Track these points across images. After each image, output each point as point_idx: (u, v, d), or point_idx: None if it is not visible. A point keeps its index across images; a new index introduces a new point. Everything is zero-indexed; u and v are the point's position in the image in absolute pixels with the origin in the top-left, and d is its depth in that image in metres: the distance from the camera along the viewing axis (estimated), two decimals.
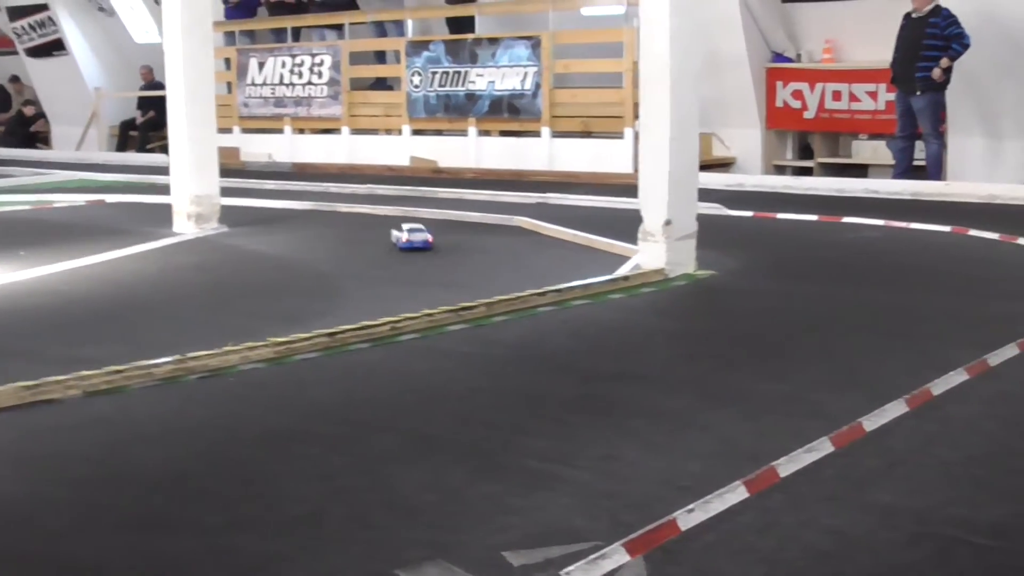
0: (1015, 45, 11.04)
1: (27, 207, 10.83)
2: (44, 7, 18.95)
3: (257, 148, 15.06)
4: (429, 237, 7.80)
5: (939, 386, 4.18)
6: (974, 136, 11.64)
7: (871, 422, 3.77)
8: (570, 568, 2.69)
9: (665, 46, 6.45)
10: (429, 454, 3.63)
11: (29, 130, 20.33)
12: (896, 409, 3.90)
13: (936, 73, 10.72)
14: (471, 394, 4.41)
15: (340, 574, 2.73)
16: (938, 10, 10.74)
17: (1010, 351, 4.67)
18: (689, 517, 2.99)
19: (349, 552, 2.86)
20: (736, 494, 3.15)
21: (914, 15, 10.87)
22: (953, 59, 10.69)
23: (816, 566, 2.73)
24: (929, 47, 10.74)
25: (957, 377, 4.29)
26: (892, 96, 11.49)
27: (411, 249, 7.73)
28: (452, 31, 13.98)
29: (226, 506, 3.22)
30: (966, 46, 10.64)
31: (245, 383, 4.56)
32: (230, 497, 3.30)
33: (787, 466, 3.36)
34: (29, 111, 20.37)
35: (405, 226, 7.96)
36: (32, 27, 19.41)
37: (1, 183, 13.24)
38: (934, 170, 11.15)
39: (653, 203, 6.61)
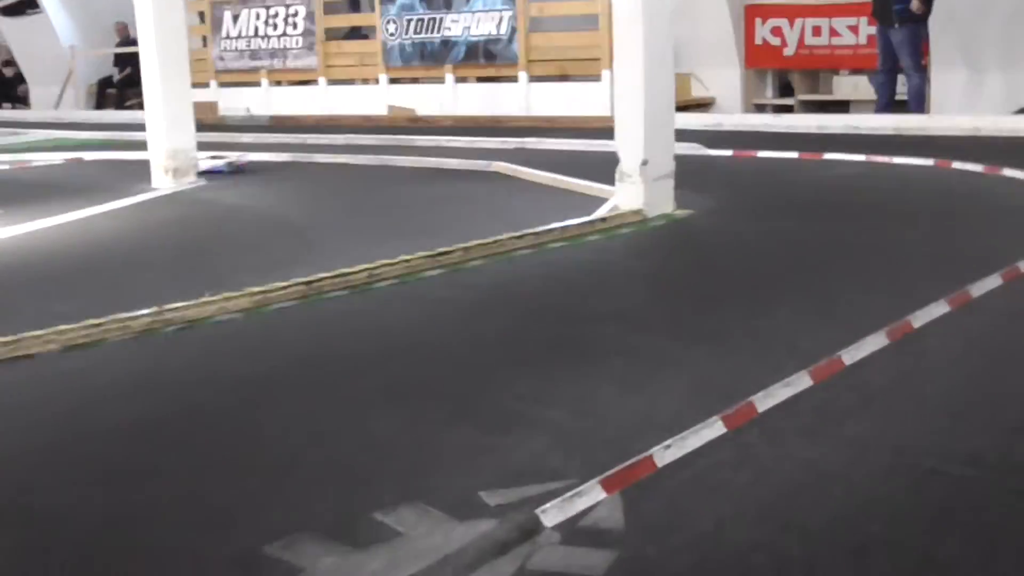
0: None
1: (5, 167, 10.75)
2: None
3: (235, 102, 14.98)
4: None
5: (920, 318, 4.17)
6: (957, 68, 11.60)
7: (850, 355, 3.77)
8: (546, 506, 2.69)
9: None
10: (405, 399, 3.62)
11: (13, 92, 20.22)
12: (876, 342, 3.90)
13: (915, 4, 10.68)
14: (446, 339, 4.40)
15: (317, 518, 2.72)
16: None
17: (993, 282, 4.65)
18: (665, 454, 2.99)
19: (325, 496, 2.87)
20: (713, 430, 3.15)
21: None
22: (921, 4, 10.66)
23: (791, 500, 2.74)
24: None
25: (938, 309, 4.28)
26: (873, 30, 11.42)
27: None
28: None
29: (199, 454, 3.22)
30: None
31: (221, 334, 4.55)
32: (204, 445, 3.30)
33: (764, 401, 3.37)
34: (9, 72, 20.22)
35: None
36: None
37: None
38: (916, 104, 11.14)
39: (629, 144, 6.58)
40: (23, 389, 3.91)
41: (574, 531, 2.60)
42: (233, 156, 8.03)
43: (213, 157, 8.01)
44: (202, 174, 7.73)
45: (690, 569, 2.42)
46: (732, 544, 2.52)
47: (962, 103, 11.47)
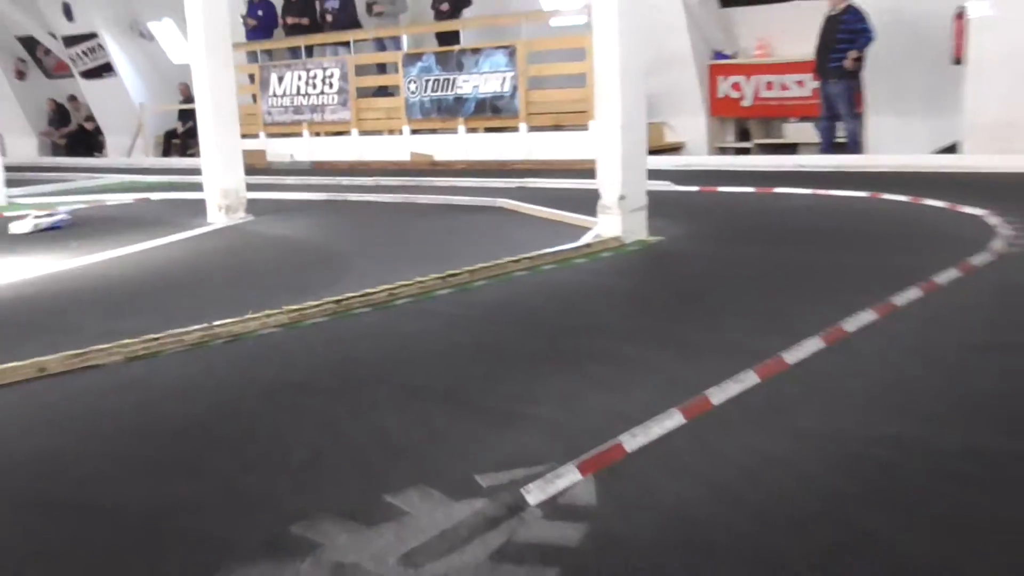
0: (918, 36, 11.03)
1: (84, 206, 10.77)
2: (94, 35, 18.85)
3: (280, 150, 15.04)
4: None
5: (851, 324, 4.17)
6: (888, 115, 11.61)
7: (792, 356, 3.77)
8: (530, 486, 2.68)
9: (615, 47, 6.40)
10: (416, 400, 3.60)
11: (92, 142, 20.34)
12: (814, 345, 3.90)
13: (847, 63, 10.70)
14: (453, 348, 4.38)
15: (336, 500, 2.71)
16: (849, 8, 10.73)
17: (914, 293, 4.66)
18: (633, 441, 2.98)
19: (344, 483, 2.85)
20: (674, 420, 3.14)
21: (830, 13, 10.84)
22: (860, 50, 10.67)
23: (741, 480, 2.71)
24: (840, 40, 10.73)
25: (867, 316, 4.28)
26: (816, 84, 11.43)
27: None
28: (441, 44, 13.91)
29: (238, 451, 3.20)
30: (870, 39, 10.66)
31: (262, 345, 4.52)
32: (243, 443, 3.28)
33: (718, 395, 3.36)
34: (90, 126, 20.34)
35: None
36: (85, 53, 19.32)
37: (63, 186, 13.19)
38: (853, 145, 11.14)
39: (609, 181, 6.58)
40: (90, 396, 3.88)
41: (554, 508, 2.59)
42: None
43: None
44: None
45: (653, 541, 2.39)
46: (690, 519, 2.49)
47: (892, 144, 11.48)
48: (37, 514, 2.79)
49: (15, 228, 7.22)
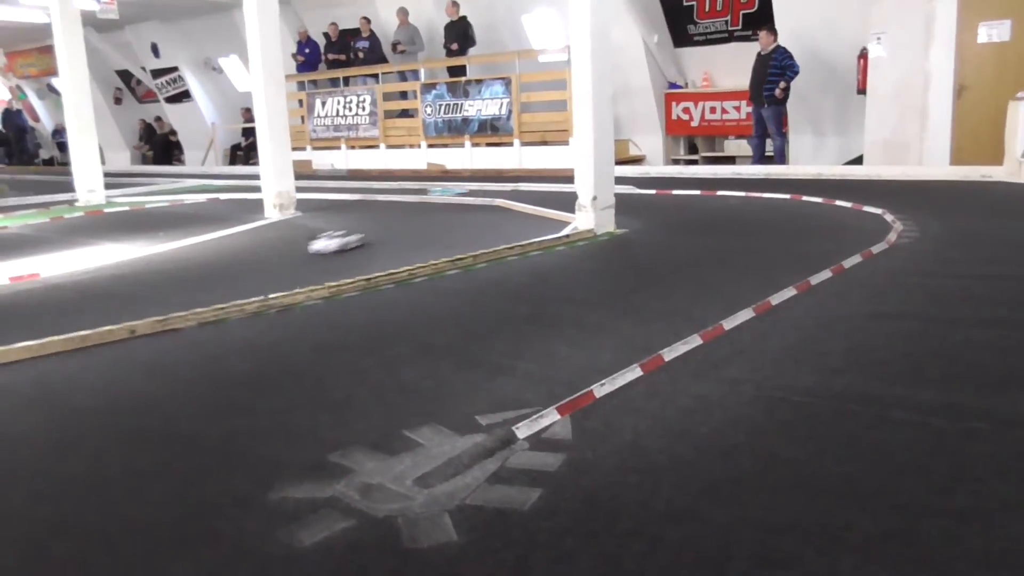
0: (830, 71, 11.00)
1: (166, 204, 10.73)
2: (176, 69, 18.73)
3: (323, 160, 14.93)
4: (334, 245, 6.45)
5: (776, 299, 4.16)
6: (806, 134, 11.59)
7: (728, 324, 3.76)
8: (519, 424, 2.69)
9: (588, 79, 6.36)
10: (428, 355, 3.61)
11: (174, 154, 20.23)
12: (746, 315, 3.89)
13: (777, 92, 10.65)
14: (459, 315, 4.38)
15: (364, 435, 2.72)
16: (778, 48, 10.64)
17: (825, 275, 4.64)
18: (601, 389, 2.98)
19: (370, 421, 2.85)
20: (633, 373, 3.14)
21: (762, 52, 10.77)
22: (788, 82, 10.62)
23: (685, 419, 2.72)
24: (771, 74, 10.64)
25: (788, 292, 4.27)
26: (750, 109, 11.38)
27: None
28: (451, 76, 13.80)
29: (287, 394, 3.20)
30: (796, 73, 10.57)
31: (308, 313, 4.52)
32: (291, 388, 3.28)
33: (669, 354, 3.36)
34: (173, 138, 20.22)
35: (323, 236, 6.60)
36: (168, 83, 19.19)
37: (150, 188, 13.12)
38: (779, 158, 11.08)
39: (584, 185, 6.55)
40: (170, 352, 3.89)
41: (539, 441, 2.60)
42: (339, 239, 6.42)
43: (326, 237, 6.46)
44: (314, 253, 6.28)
45: (615, 466, 2.40)
46: (644, 449, 2.51)
47: (809, 157, 11.47)
48: (133, 440, 2.81)
49: (317, 247, 6.28)
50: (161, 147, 19.97)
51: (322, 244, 6.36)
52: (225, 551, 2.03)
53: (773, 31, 10.68)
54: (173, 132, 19.96)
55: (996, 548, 1.88)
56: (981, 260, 5.03)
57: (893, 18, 9.88)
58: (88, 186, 11.01)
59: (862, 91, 10.47)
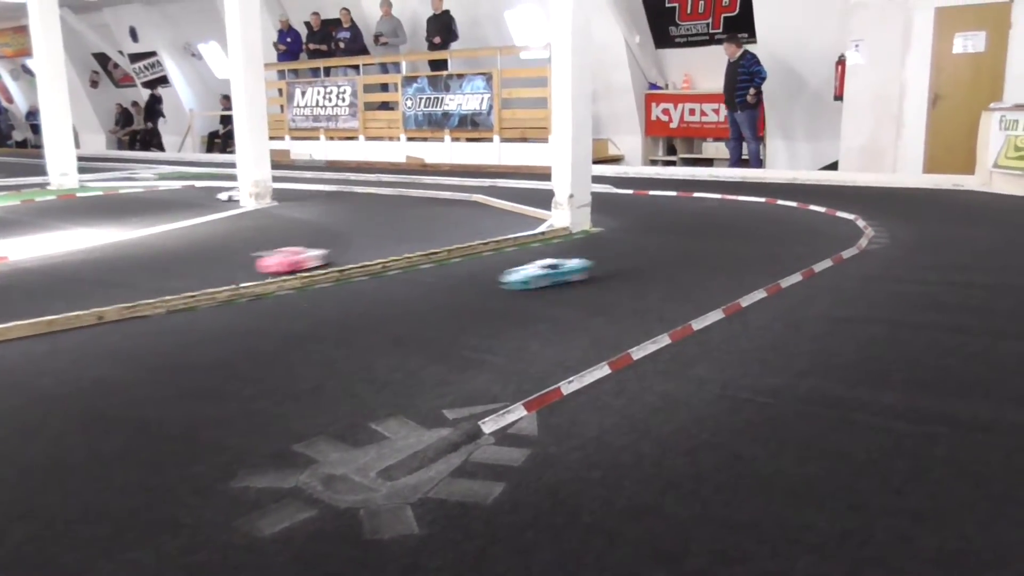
0: (808, 77, 11.10)
1: (140, 190, 10.63)
2: (154, 54, 18.55)
3: (301, 150, 14.85)
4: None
5: (746, 300, 4.20)
6: (782, 139, 11.67)
7: (698, 324, 3.79)
8: (486, 419, 2.69)
9: (568, 78, 6.38)
10: (398, 347, 3.60)
11: (153, 140, 20.00)
12: (715, 316, 3.92)
13: (748, 98, 10.75)
14: (431, 309, 4.38)
15: (330, 426, 2.71)
16: (745, 54, 10.76)
17: (796, 278, 4.69)
18: (569, 386, 3.00)
19: (337, 412, 2.84)
20: (602, 371, 3.16)
21: (731, 60, 10.86)
22: (757, 88, 10.73)
23: (650, 417, 2.74)
24: (741, 80, 10.75)
25: (759, 295, 4.31)
26: (726, 112, 11.44)
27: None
28: (433, 69, 13.77)
29: (255, 383, 3.18)
30: (763, 79, 10.73)
31: (279, 303, 4.50)
32: (259, 377, 3.26)
33: (638, 352, 3.37)
34: (148, 125, 20.00)
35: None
36: (146, 68, 19.00)
37: (125, 174, 12.97)
38: (755, 162, 11.17)
39: (560, 182, 6.56)
40: (137, 339, 3.85)
41: (504, 436, 2.60)
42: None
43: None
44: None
45: (579, 461, 2.41)
46: (609, 445, 2.52)
47: (785, 162, 11.56)
48: (97, 426, 2.79)
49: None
50: (149, 110, 19.49)
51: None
52: (184, 539, 2.02)
53: (735, 41, 10.84)
54: (159, 99, 19.61)
55: (950, 548, 1.91)
56: (949, 267, 5.10)
57: (871, 26, 9.98)
58: (61, 169, 10.87)
59: (839, 97, 10.57)
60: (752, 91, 10.67)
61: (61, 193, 10.20)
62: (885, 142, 10.10)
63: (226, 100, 16.72)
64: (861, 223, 6.56)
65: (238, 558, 1.93)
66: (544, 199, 7.13)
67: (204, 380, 3.24)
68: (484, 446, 2.53)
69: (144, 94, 19.41)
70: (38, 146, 16.16)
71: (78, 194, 10.16)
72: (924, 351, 3.41)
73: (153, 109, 19.19)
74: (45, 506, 2.21)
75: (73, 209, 8.85)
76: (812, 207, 7.54)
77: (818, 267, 4.97)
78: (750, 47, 10.96)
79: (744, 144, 11.24)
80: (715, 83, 11.89)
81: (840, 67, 10.54)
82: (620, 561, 1.89)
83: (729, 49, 10.84)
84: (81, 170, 11.36)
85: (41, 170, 11.33)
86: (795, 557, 1.88)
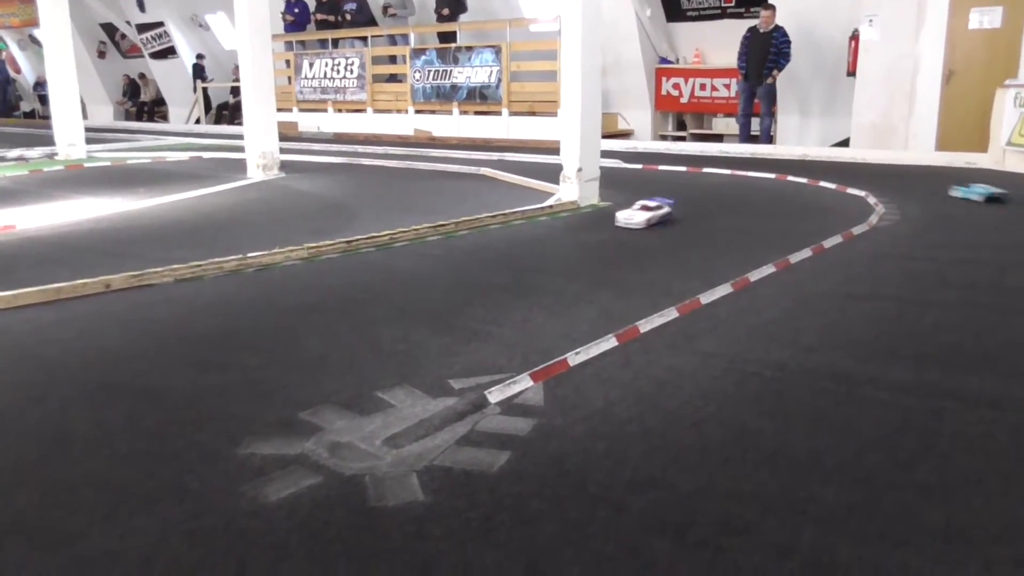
0: (822, 53, 10.98)
1: (148, 160, 10.60)
2: (162, 24, 18.45)
3: (309, 122, 14.79)
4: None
5: (755, 275, 4.17)
6: (794, 115, 11.58)
7: (706, 298, 3.77)
8: (492, 389, 2.69)
9: (578, 51, 6.31)
10: (404, 318, 3.59)
11: (159, 111, 19.94)
12: (724, 290, 3.90)
13: (773, 77, 10.66)
14: (437, 281, 4.37)
15: (336, 394, 2.71)
16: (777, 27, 10.62)
17: (805, 253, 4.66)
18: (575, 357, 2.99)
19: (343, 381, 2.84)
20: (609, 343, 3.15)
21: (761, 30, 10.70)
22: (781, 69, 10.65)
23: (657, 390, 2.73)
24: (772, 53, 10.63)
25: (767, 270, 4.28)
26: (739, 87, 11.33)
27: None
28: (441, 42, 13.68)
29: (261, 352, 3.18)
30: (789, 60, 10.64)
31: (285, 274, 4.49)
32: (265, 346, 3.26)
33: (645, 326, 3.36)
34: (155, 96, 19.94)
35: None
36: (153, 38, 18.90)
37: (132, 144, 12.96)
38: (766, 138, 11.09)
39: (569, 156, 6.52)
40: (144, 307, 3.85)
41: (510, 406, 2.60)
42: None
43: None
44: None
45: (584, 433, 2.41)
46: (614, 417, 2.51)
47: (796, 138, 11.47)
48: (103, 394, 2.79)
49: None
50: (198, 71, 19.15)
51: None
52: (189, 505, 2.02)
53: (773, 9, 10.63)
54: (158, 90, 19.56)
55: (957, 522, 1.90)
56: (959, 245, 5.06)
57: (886, 1, 9.85)
58: (68, 140, 10.84)
59: (852, 73, 10.45)
60: (776, 73, 10.61)
61: (69, 163, 10.20)
62: (897, 119, 10.00)
63: (235, 71, 16.59)
64: (872, 200, 6.51)
65: (243, 523, 1.93)
66: (552, 173, 7.09)
67: (210, 349, 3.24)
68: (490, 416, 2.52)
69: (153, 65, 19.33)
70: (46, 117, 16.15)
71: (85, 164, 10.15)
72: (933, 327, 3.39)
73: (202, 73, 18.91)
74: (49, 472, 2.22)
75: (81, 179, 8.84)
76: (823, 183, 7.48)
77: (828, 243, 4.93)
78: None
79: (754, 120, 11.14)
80: (726, 58, 11.79)
81: (854, 42, 10.42)
82: (625, 531, 1.89)
83: (766, 17, 10.64)
84: (89, 141, 11.33)
85: (49, 140, 11.31)
86: (801, 529, 1.87)
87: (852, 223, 5.54)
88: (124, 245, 5.34)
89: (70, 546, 1.85)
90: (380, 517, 1.96)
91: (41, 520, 1.98)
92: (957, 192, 6.68)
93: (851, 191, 7.04)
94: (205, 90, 17.72)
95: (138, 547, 1.84)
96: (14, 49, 23.33)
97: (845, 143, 10.62)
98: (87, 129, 11.46)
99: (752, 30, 10.82)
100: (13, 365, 3.10)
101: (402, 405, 2.62)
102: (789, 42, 10.58)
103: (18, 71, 23.62)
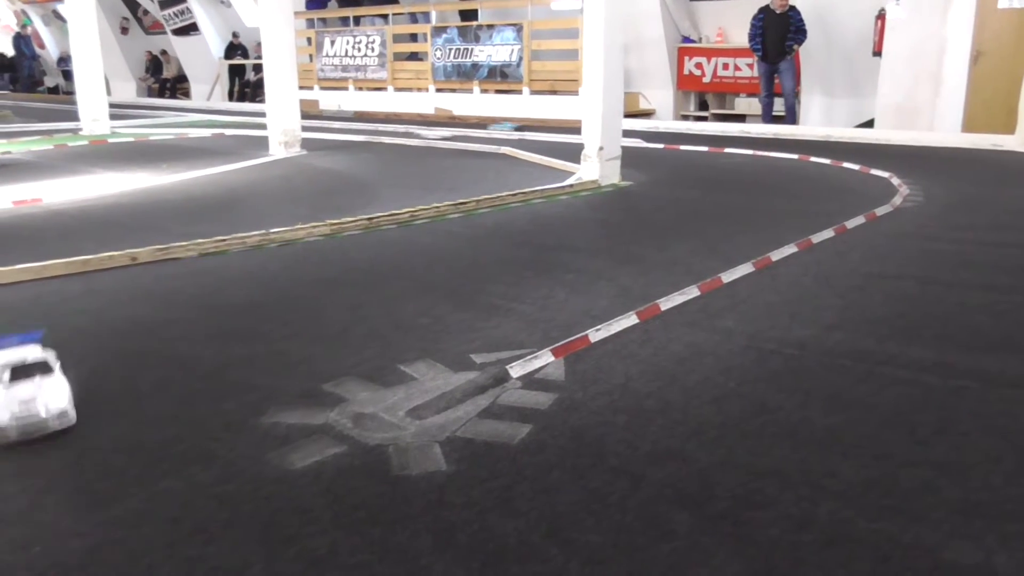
0: (847, 32, 10.86)
1: (171, 137, 10.67)
2: (184, 0, 18.48)
3: (330, 100, 14.82)
4: None
5: (776, 255, 4.17)
6: (818, 95, 11.47)
7: (727, 277, 3.77)
8: (513, 364, 2.71)
9: (600, 29, 6.28)
10: (426, 294, 3.62)
11: (180, 88, 19.99)
12: (745, 269, 3.90)
13: (794, 52, 10.60)
14: (458, 257, 4.40)
15: (359, 366, 2.75)
16: (792, 7, 10.56)
17: (827, 234, 4.65)
18: (596, 334, 3.01)
19: (366, 353, 2.88)
20: (629, 320, 3.16)
21: (777, 11, 10.61)
22: (799, 45, 10.57)
23: (676, 366, 2.75)
24: (790, 32, 10.55)
25: (789, 249, 4.28)
26: (761, 67, 11.22)
27: None
28: (462, 20, 13.64)
29: (285, 325, 3.23)
30: (806, 36, 10.60)
31: (308, 249, 4.54)
32: (288, 319, 3.31)
33: (666, 303, 3.37)
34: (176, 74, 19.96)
35: None
36: (176, 15, 18.93)
37: (155, 121, 13.04)
38: (790, 118, 11.00)
39: (591, 135, 6.51)
40: (170, 280, 3.91)
41: (531, 381, 2.62)
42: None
43: None
44: None
45: (605, 407, 2.43)
46: (634, 392, 2.53)
47: (819, 118, 11.37)
48: (132, 362, 2.84)
49: None
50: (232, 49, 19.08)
51: None
52: (217, 470, 2.07)
53: None
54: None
55: (974, 499, 1.91)
56: (984, 227, 5.02)
57: None
58: (93, 115, 10.94)
59: (878, 53, 10.33)
60: (796, 48, 10.56)
61: (93, 139, 10.29)
62: (923, 100, 9.88)
63: (257, 48, 16.62)
64: (895, 181, 6.46)
65: (269, 489, 1.98)
66: (572, 152, 7.08)
67: (235, 321, 3.29)
68: (511, 390, 2.55)
69: (175, 41, 19.38)
70: (70, 92, 16.25)
71: (109, 140, 10.23)
72: (955, 308, 3.38)
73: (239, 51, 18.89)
74: (80, 436, 2.27)
75: (105, 154, 8.93)
76: (846, 164, 7.42)
77: (850, 223, 4.91)
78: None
79: (777, 100, 11.05)
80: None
81: (880, 21, 10.29)
82: (644, 503, 1.91)
83: (779, 1, 10.61)
84: (112, 117, 11.42)
85: (73, 116, 11.41)
86: (818, 503, 1.89)
87: (875, 204, 5.51)
88: (148, 219, 5.41)
89: (102, 507, 1.90)
90: (404, 485, 2.00)
91: (76, 481, 2.03)
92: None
93: (875, 172, 6.98)
94: (233, 67, 17.76)
95: (167, 509, 1.89)
96: (38, 24, 23.44)
97: (869, 124, 10.52)
98: (110, 105, 11.54)
99: (765, 10, 10.75)
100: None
101: (424, 378, 2.65)
102: (803, 22, 10.55)
103: (42, 46, 23.76)
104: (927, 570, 1.66)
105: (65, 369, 2.44)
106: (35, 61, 23.06)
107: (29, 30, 23.09)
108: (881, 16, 10.26)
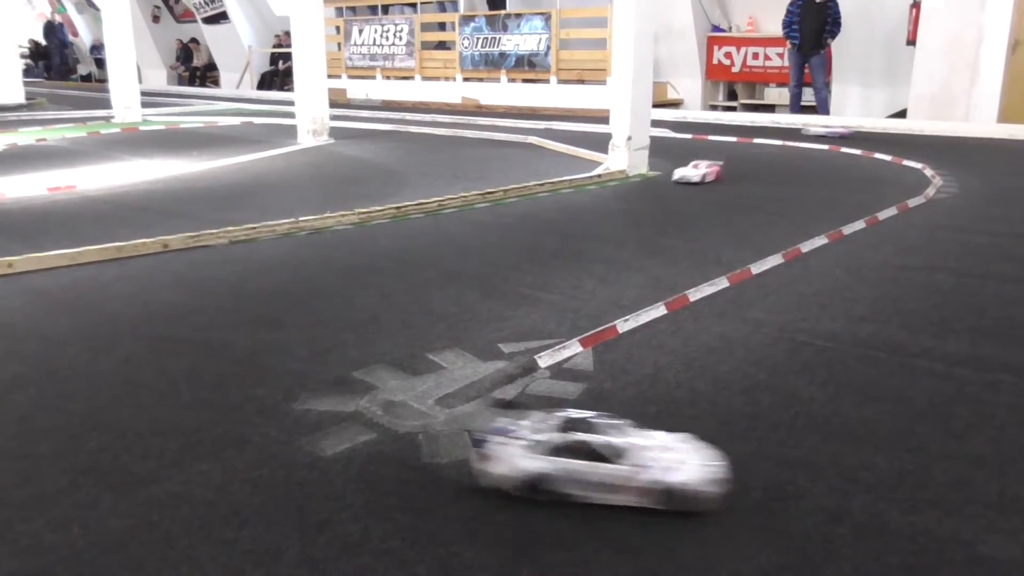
0: (880, 20, 10.72)
1: (201, 125, 10.76)
2: None
3: (358, 89, 14.87)
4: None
5: (806, 246, 4.14)
6: (851, 85, 11.33)
7: (757, 268, 3.75)
8: (542, 354, 2.71)
9: (630, 18, 6.25)
10: (454, 282, 3.63)
11: (210, 76, 20.12)
12: (775, 260, 3.88)
13: (828, 45, 10.48)
14: (487, 246, 4.40)
15: (389, 354, 2.76)
16: None
17: (859, 225, 4.61)
18: (625, 324, 3.00)
19: (395, 341, 2.89)
20: (658, 311, 3.15)
21: (817, 1, 10.47)
22: (833, 38, 10.45)
23: (706, 356, 2.73)
24: (828, 22, 10.44)
25: (820, 241, 4.25)
26: (791, 57, 11.10)
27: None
28: (490, 9, 13.63)
29: (315, 312, 3.25)
30: (840, 29, 10.51)
31: (337, 237, 4.56)
32: (318, 306, 3.33)
33: (695, 294, 3.36)
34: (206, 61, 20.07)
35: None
36: (206, 3, 19.02)
37: (185, 109, 13.15)
38: (823, 109, 10.87)
39: (619, 124, 6.48)
40: (201, 267, 3.95)
41: (560, 371, 2.62)
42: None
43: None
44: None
45: (633, 396, 2.43)
46: (663, 382, 2.53)
47: (852, 108, 11.23)
48: (164, 347, 2.87)
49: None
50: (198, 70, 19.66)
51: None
52: (250, 455, 2.09)
53: None
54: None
55: (1010, 493, 1.89)
56: (1019, 219, 4.94)
57: None
58: (125, 103, 11.05)
59: (912, 42, 10.17)
60: (829, 41, 10.44)
61: (125, 126, 10.40)
62: (958, 90, 9.72)
63: (286, 37, 16.68)
64: (929, 172, 6.38)
65: (301, 475, 2.00)
66: (600, 142, 7.05)
67: (266, 308, 3.32)
68: (540, 379, 2.55)
69: (205, 30, 19.50)
70: (102, 80, 16.44)
71: (141, 127, 10.34)
72: (989, 300, 3.33)
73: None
74: (117, 419, 2.31)
75: (137, 142, 9.02)
76: (878, 155, 7.34)
77: (882, 215, 4.86)
78: None
79: (807, 90, 10.93)
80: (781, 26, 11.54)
81: (915, 10, 10.12)
82: None
83: None
84: (144, 104, 11.54)
85: (106, 103, 11.53)
86: (851, 495, 1.88)
87: (908, 195, 5.45)
88: (180, 206, 5.46)
89: (140, 488, 1.93)
90: (433, 472, 2.01)
91: (114, 462, 2.06)
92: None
93: (907, 163, 6.89)
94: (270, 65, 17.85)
95: (203, 492, 1.91)
96: (71, 12, 23.68)
97: (902, 114, 10.38)
98: (142, 93, 11.65)
99: (815, 3, 10.59)
100: (80, 318, 3.21)
101: (453, 367, 2.66)
102: (839, 14, 10.42)
103: (75, 34, 24.01)
104: (963, 564, 1.64)
105: (98, 353, 2.47)
106: (68, 49, 23.30)
107: (62, 18, 23.33)
108: (916, 5, 10.10)
